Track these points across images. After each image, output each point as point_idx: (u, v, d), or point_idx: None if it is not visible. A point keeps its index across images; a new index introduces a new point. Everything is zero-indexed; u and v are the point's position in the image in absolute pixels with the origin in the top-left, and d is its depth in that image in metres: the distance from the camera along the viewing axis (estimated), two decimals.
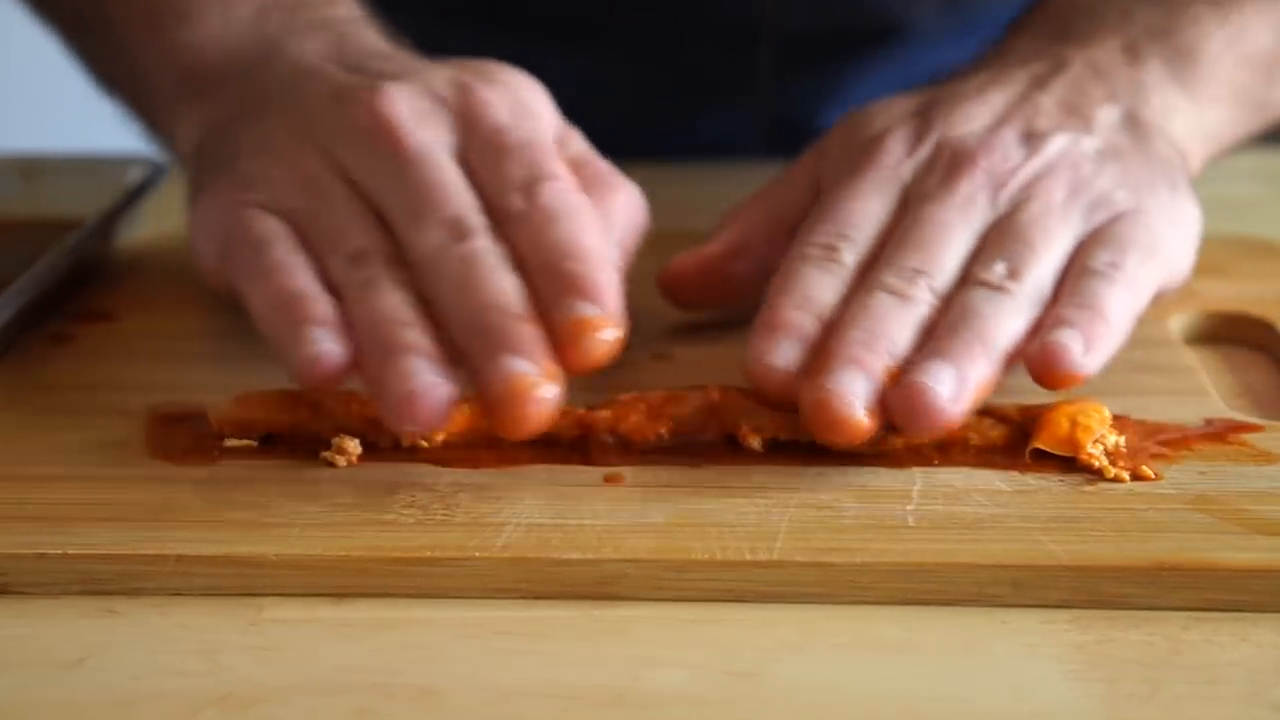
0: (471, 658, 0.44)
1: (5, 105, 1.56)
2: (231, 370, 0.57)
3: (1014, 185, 0.58)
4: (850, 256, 0.56)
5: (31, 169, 0.79)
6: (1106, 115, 0.61)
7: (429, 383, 0.49)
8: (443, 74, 0.59)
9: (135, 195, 0.69)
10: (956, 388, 0.51)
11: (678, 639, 0.45)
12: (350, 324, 0.52)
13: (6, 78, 1.59)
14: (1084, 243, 0.57)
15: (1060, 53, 0.64)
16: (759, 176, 0.65)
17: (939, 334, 0.53)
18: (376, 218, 0.55)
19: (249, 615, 0.46)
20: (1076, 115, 0.61)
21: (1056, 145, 0.59)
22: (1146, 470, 0.51)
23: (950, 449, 0.53)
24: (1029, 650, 0.44)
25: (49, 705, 0.42)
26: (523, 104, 0.58)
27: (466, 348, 0.51)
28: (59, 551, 0.47)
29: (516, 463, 0.52)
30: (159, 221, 0.72)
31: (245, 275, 0.55)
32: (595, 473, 0.52)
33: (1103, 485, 0.51)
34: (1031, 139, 0.60)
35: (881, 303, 0.54)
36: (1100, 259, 0.56)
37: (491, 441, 0.53)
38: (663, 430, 0.54)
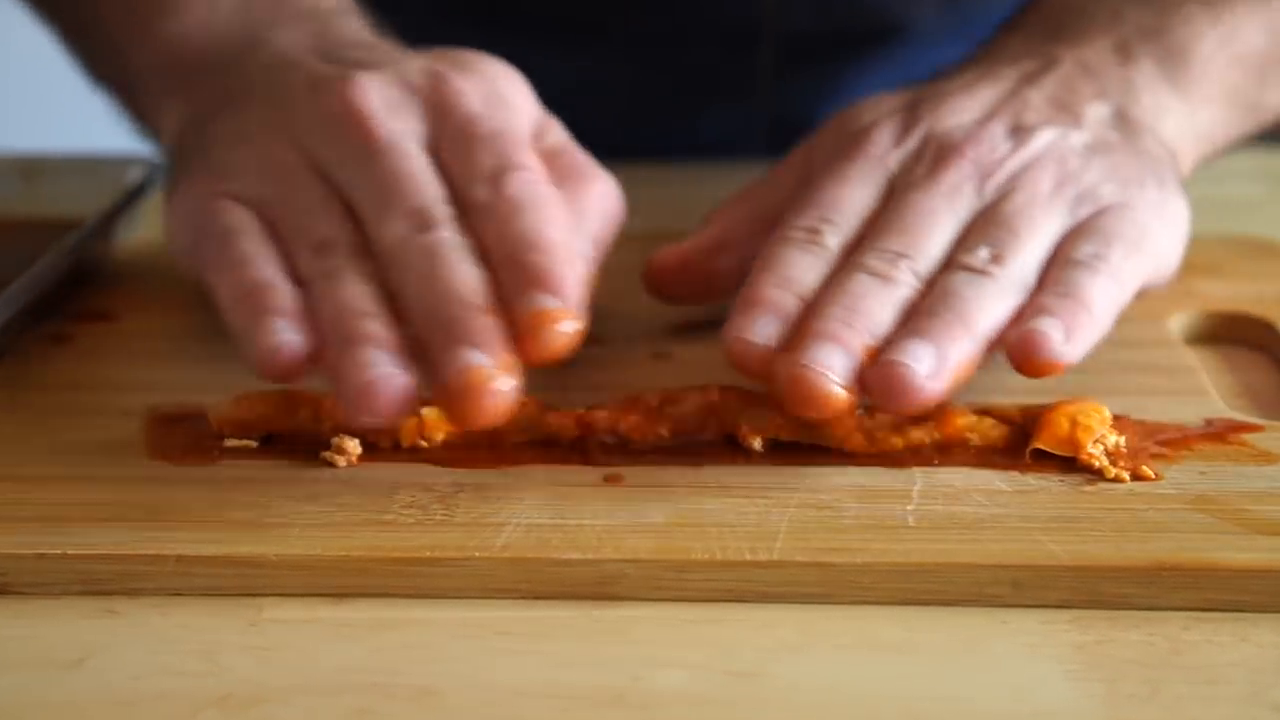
0: (471, 658, 0.44)
1: (5, 105, 1.56)
2: (231, 370, 0.57)
3: (1000, 176, 0.58)
4: (833, 240, 0.56)
5: (31, 169, 0.79)
6: (1096, 112, 0.61)
7: (386, 374, 0.49)
8: (417, 63, 0.59)
9: (135, 195, 0.69)
10: (935, 366, 0.51)
11: (678, 639, 0.45)
12: (314, 316, 0.52)
13: (6, 78, 1.59)
14: (1069, 234, 0.56)
15: (1051, 52, 0.64)
16: (759, 177, 0.65)
17: (919, 314, 0.53)
18: (345, 208, 0.55)
19: (249, 615, 0.46)
20: (1066, 111, 0.61)
21: (1044, 139, 0.59)
22: (1146, 470, 0.51)
23: (950, 449, 0.53)
24: (1029, 650, 0.44)
25: (49, 705, 0.42)
26: (498, 94, 0.58)
27: (426, 339, 0.50)
28: (59, 551, 0.47)
29: (516, 463, 0.52)
30: (159, 221, 0.71)
31: (212, 266, 0.55)
32: (595, 473, 0.52)
33: (1103, 485, 0.51)
34: (1019, 132, 0.60)
35: (862, 283, 0.53)
36: (1084, 250, 0.55)
37: (492, 441, 0.53)
38: (663, 430, 0.54)
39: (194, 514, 0.49)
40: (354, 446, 0.53)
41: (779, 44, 0.87)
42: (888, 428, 0.53)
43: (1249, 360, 0.61)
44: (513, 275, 0.51)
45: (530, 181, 0.54)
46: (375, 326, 0.51)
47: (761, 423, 0.53)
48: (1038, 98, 0.61)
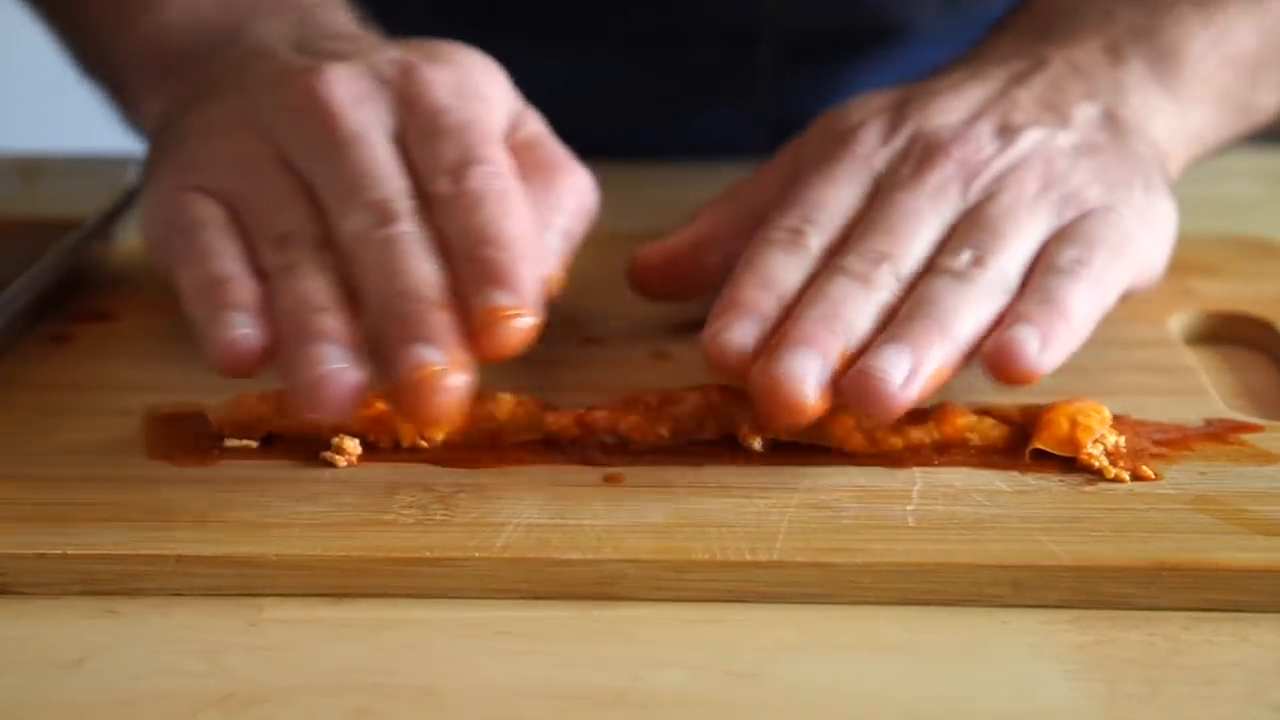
0: (471, 658, 0.44)
1: (5, 105, 1.56)
2: None
3: (986, 177, 0.58)
4: (816, 241, 0.56)
5: (31, 169, 0.79)
6: (1084, 112, 0.61)
7: (335, 370, 0.49)
8: (389, 54, 0.58)
9: (135, 195, 0.69)
10: (909, 374, 0.50)
11: (678, 639, 0.45)
12: (273, 310, 0.52)
13: (6, 78, 1.59)
14: (1052, 238, 0.56)
15: (1041, 52, 0.64)
16: (746, 175, 0.65)
17: (898, 319, 0.52)
18: (311, 201, 0.55)
19: (249, 615, 0.46)
20: (1054, 111, 0.61)
21: (1031, 139, 0.59)
22: (1146, 470, 0.51)
23: (950, 449, 0.53)
24: (1029, 650, 0.44)
25: (49, 705, 0.42)
26: (470, 85, 0.58)
27: (381, 333, 0.50)
28: (59, 551, 0.47)
29: (516, 463, 0.52)
30: None
31: (177, 260, 0.55)
32: (595, 473, 0.52)
33: (1103, 485, 0.51)
34: (1006, 132, 0.59)
35: (842, 286, 0.53)
36: (1066, 255, 0.55)
37: (492, 441, 0.53)
38: (662, 430, 0.54)
39: (194, 514, 0.49)
40: (354, 446, 0.53)
41: (779, 44, 0.87)
42: (887, 428, 0.53)
43: (1249, 360, 0.61)
44: (469, 270, 0.51)
45: (493, 175, 0.54)
46: (329, 321, 0.51)
47: (761, 423, 0.53)
48: (1026, 98, 0.61)
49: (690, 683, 0.43)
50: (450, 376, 0.49)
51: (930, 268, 0.55)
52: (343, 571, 0.47)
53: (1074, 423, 0.52)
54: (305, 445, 0.53)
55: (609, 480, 0.51)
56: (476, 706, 0.42)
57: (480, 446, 0.53)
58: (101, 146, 0.78)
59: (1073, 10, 0.67)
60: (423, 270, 0.51)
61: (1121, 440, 0.53)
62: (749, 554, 0.47)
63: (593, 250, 0.63)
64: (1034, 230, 0.56)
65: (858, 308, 0.53)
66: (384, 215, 0.53)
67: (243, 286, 0.53)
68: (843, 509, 0.49)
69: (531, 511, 0.49)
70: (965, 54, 0.67)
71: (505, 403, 0.54)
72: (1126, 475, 0.51)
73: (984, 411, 0.54)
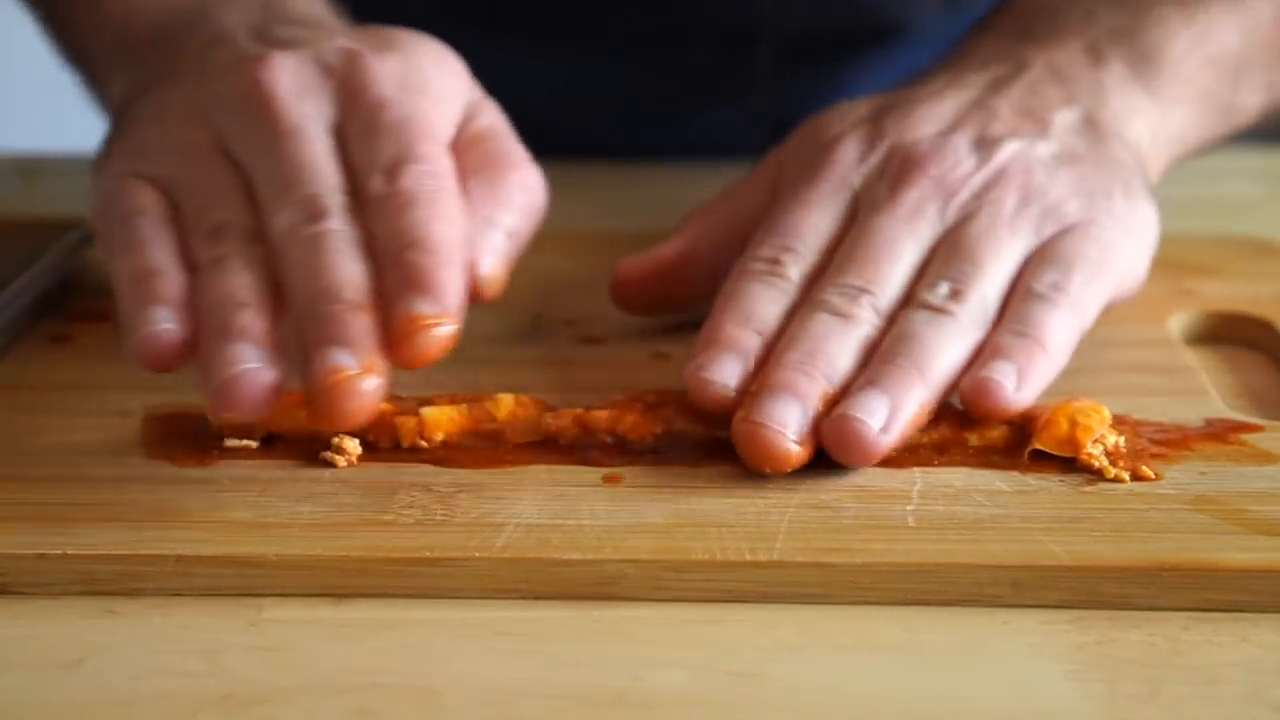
0: (471, 658, 0.44)
1: (5, 105, 1.56)
2: None
3: (964, 194, 0.58)
4: (795, 270, 0.56)
5: (31, 169, 0.79)
6: (1063, 119, 0.61)
7: (248, 370, 0.49)
8: (337, 43, 0.58)
9: None
10: (888, 419, 0.51)
11: (678, 639, 0.45)
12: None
13: (6, 78, 1.59)
14: (1031, 258, 0.56)
15: (1021, 54, 0.64)
16: (731, 185, 0.64)
17: (877, 360, 0.53)
18: (248, 192, 0.54)
19: (249, 615, 0.46)
20: (1032, 119, 0.61)
21: (1009, 151, 0.59)
22: (1146, 470, 0.51)
23: (949, 449, 0.53)
24: (1029, 651, 0.44)
25: (49, 705, 0.42)
26: (416, 77, 0.57)
27: (302, 333, 0.50)
28: (59, 551, 0.47)
29: (516, 463, 0.52)
30: None
31: (113, 248, 0.54)
32: (595, 473, 0.52)
33: (1103, 485, 0.51)
34: (984, 144, 0.59)
35: (822, 324, 0.53)
36: (1044, 280, 0.55)
37: (492, 441, 0.53)
38: (661, 430, 0.54)
39: (194, 514, 0.49)
40: (354, 446, 0.53)
41: (778, 44, 0.87)
42: None
43: (1248, 360, 0.61)
44: (393, 274, 0.51)
45: (427, 175, 0.53)
46: (249, 319, 0.50)
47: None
48: (1005, 107, 0.61)
49: (690, 683, 0.43)
50: (362, 382, 0.48)
51: (909, 299, 0.55)
52: (343, 571, 0.47)
53: (1074, 423, 0.52)
54: (305, 445, 0.53)
55: (609, 480, 0.51)
56: (476, 706, 0.42)
57: (480, 446, 0.53)
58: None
59: (1054, 10, 0.66)
60: (347, 270, 0.51)
61: (1121, 440, 0.53)
62: (749, 554, 0.47)
63: (592, 251, 0.63)
64: (1013, 250, 0.56)
65: (838, 344, 0.53)
66: (314, 212, 0.52)
67: (170, 279, 0.52)
68: (843, 509, 0.49)
69: (531, 511, 0.49)
70: (947, 56, 0.67)
71: (505, 403, 0.54)
72: (1126, 475, 0.51)
73: None
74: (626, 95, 0.89)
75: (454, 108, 0.58)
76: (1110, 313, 0.59)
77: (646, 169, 0.82)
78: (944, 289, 0.54)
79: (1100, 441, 0.52)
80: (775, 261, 0.56)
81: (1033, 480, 0.51)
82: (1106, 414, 0.53)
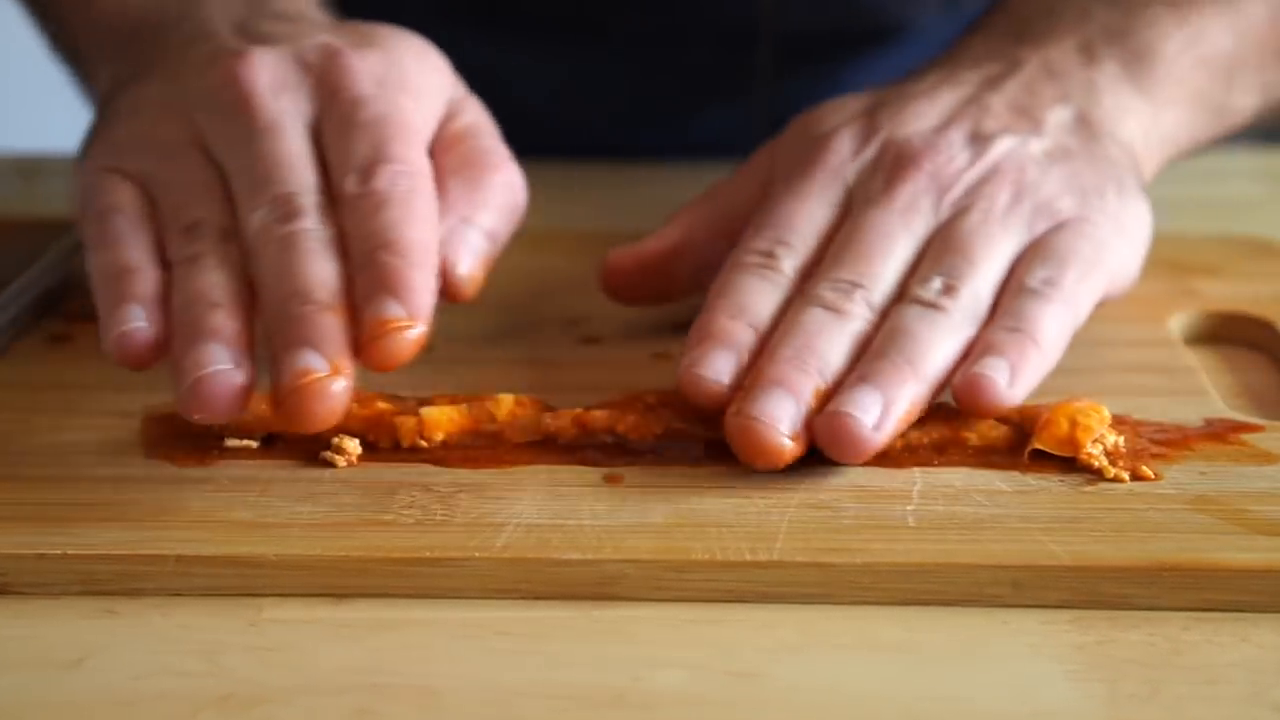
0: (471, 658, 0.44)
1: (5, 105, 1.56)
2: None
3: (958, 189, 0.58)
4: (789, 264, 0.56)
5: (31, 169, 0.79)
6: (1057, 117, 0.61)
7: (218, 371, 0.49)
8: (318, 39, 0.57)
9: None
10: (881, 415, 0.51)
11: (678, 639, 0.45)
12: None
13: (6, 78, 1.59)
14: (1024, 254, 0.56)
15: (1015, 53, 0.64)
16: (723, 178, 0.64)
17: (870, 355, 0.52)
18: (224, 190, 0.54)
19: (249, 615, 0.46)
20: (1026, 117, 0.61)
21: (1002, 147, 0.59)
22: (1146, 470, 0.51)
23: (949, 449, 0.53)
24: (1029, 651, 0.44)
25: (49, 705, 0.42)
26: (395, 74, 0.57)
27: (273, 333, 0.50)
28: (59, 551, 0.47)
29: (516, 463, 0.52)
30: None
31: (90, 243, 0.54)
32: (595, 473, 0.52)
33: (1103, 485, 0.51)
34: (978, 140, 0.59)
35: (815, 319, 0.53)
36: (1037, 275, 0.55)
37: (492, 441, 0.53)
38: (661, 430, 0.54)
39: (194, 514, 0.49)
40: (354, 446, 0.53)
41: (777, 44, 0.87)
42: None
43: (1249, 360, 0.61)
44: (364, 275, 0.50)
45: (401, 175, 0.53)
46: (220, 319, 0.50)
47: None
48: (998, 103, 0.61)
49: (690, 683, 0.43)
50: (331, 384, 0.48)
51: (902, 294, 0.55)
52: (343, 571, 0.47)
53: (1074, 423, 0.52)
54: (305, 445, 0.53)
55: (609, 480, 0.51)
56: (476, 706, 0.42)
57: (480, 446, 0.53)
58: None
59: (1048, 10, 0.66)
60: (318, 270, 0.51)
61: (1121, 440, 0.53)
62: (749, 554, 0.47)
63: (592, 250, 0.63)
64: (1006, 246, 0.56)
65: (831, 340, 0.53)
66: (287, 211, 0.52)
67: (144, 277, 0.52)
68: (843, 509, 0.49)
69: (531, 511, 0.49)
70: (941, 54, 0.67)
71: (505, 403, 0.54)
72: (1126, 475, 0.51)
73: None
74: (626, 95, 0.89)
75: (434, 105, 0.58)
76: (1110, 312, 0.59)
77: (646, 169, 0.82)
78: (937, 284, 0.55)
79: (1100, 441, 0.52)
80: (769, 254, 0.56)
81: (1033, 480, 0.51)
82: (1106, 414, 0.53)
